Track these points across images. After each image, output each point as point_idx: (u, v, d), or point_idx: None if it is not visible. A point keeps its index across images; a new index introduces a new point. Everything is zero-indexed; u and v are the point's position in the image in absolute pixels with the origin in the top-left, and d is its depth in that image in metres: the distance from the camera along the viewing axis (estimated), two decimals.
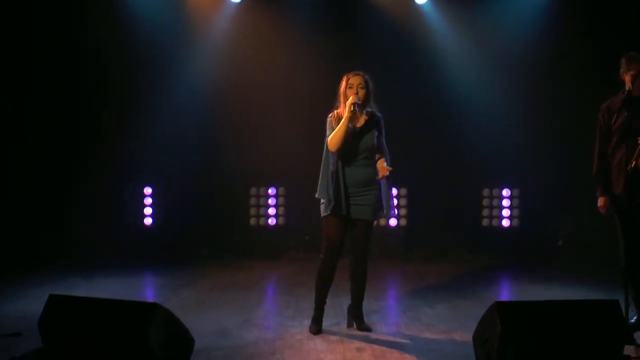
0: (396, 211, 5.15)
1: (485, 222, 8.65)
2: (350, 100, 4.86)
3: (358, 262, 5.07)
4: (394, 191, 8.53)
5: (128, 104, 8.45)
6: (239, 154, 8.53)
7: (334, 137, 4.90)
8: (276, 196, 8.72)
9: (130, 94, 8.43)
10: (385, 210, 5.09)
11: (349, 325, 5.23)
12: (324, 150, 5.00)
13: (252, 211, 8.71)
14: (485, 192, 8.69)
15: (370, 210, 5.00)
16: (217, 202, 8.65)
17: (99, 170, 8.32)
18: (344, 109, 4.91)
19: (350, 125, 4.94)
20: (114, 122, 8.44)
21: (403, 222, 8.62)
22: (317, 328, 5.10)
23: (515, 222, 8.61)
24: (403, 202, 8.61)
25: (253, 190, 8.73)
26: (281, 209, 8.71)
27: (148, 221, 8.62)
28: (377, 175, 4.99)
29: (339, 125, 4.89)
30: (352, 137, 4.95)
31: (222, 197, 8.66)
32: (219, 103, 8.53)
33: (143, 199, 8.65)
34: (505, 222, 8.63)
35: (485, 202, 8.68)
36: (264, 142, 8.50)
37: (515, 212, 8.62)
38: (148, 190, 8.65)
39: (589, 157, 5.33)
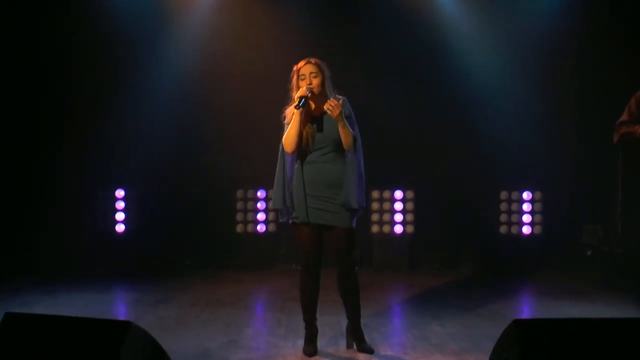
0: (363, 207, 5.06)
1: (503, 229, 8.63)
2: (299, 92, 4.85)
3: (344, 275, 5.05)
4: (404, 194, 8.57)
5: (97, 95, 8.42)
6: (224, 152, 8.51)
7: (287, 137, 4.90)
8: (266, 200, 8.69)
9: (99, 84, 8.41)
10: (351, 206, 4.89)
11: (348, 346, 5.22)
12: (279, 152, 4.99)
13: (239, 216, 8.68)
14: (503, 195, 8.67)
15: (346, 216, 4.93)
16: (199, 206, 8.62)
17: (63, 171, 8.28)
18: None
19: (307, 118, 4.92)
20: (81, 116, 8.40)
21: (409, 228, 8.60)
22: (311, 349, 5.08)
23: (538, 229, 8.59)
24: (409, 206, 8.60)
25: (240, 193, 8.70)
26: (271, 214, 8.67)
27: (120, 228, 8.57)
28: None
29: (291, 123, 4.88)
30: (312, 128, 4.93)
31: (205, 200, 8.63)
32: (202, 94, 8.51)
33: (114, 203, 8.60)
34: (526, 229, 8.61)
35: (503, 206, 8.65)
36: (252, 139, 8.46)
37: (538, 217, 8.60)
38: (120, 193, 8.60)
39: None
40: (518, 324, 3.97)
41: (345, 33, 8.48)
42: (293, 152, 4.93)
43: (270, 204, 5.08)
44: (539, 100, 8.42)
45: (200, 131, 8.55)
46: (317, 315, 5.16)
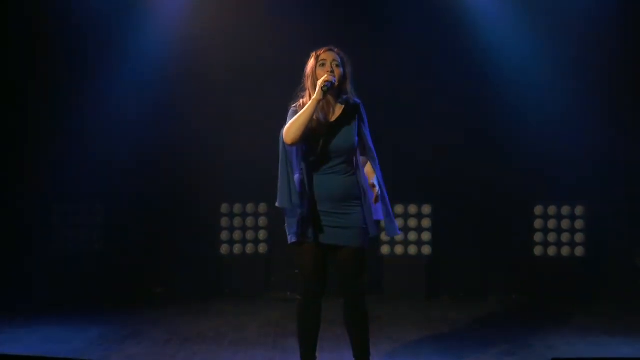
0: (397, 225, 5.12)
1: (537, 250, 8.64)
2: (323, 78, 4.85)
3: (352, 304, 5.04)
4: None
5: (57, 96, 8.43)
6: (206, 159, 8.55)
7: (293, 124, 4.83)
8: (256, 215, 8.68)
9: (61, 83, 8.43)
10: (386, 226, 5.03)
11: None
12: (280, 145, 4.94)
13: (224, 235, 8.68)
14: (538, 210, 8.68)
15: (357, 233, 4.95)
16: (176, 223, 8.64)
17: (16, 184, 8.27)
18: (313, 96, 4.88)
19: (320, 116, 4.92)
20: (37, 120, 8.42)
21: (426, 250, 8.61)
22: None
23: (580, 250, 8.59)
24: (426, 223, 8.60)
25: (225, 208, 8.70)
26: (262, 233, 8.68)
27: (82, 250, 8.56)
28: (364, 185, 4.96)
29: (304, 109, 4.85)
30: (324, 133, 4.93)
31: (183, 217, 8.66)
32: (179, 92, 8.56)
33: (76, 221, 8.59)
34: (566, 251, 8.60)
35: (538, 223, 8.65)
36: (239, 145, 8.49)
37: (580, 237, 8.60)
38: (83, 210, 8.59)
39: None
40: None
41: (349, 13, 8.52)
42: (293, 145, 4.88)
43: (276, 203, 5.00)
44: (580, 97, 8.41)
45: (177, 136, 8.57)
46: (317, 353, 5.14)
